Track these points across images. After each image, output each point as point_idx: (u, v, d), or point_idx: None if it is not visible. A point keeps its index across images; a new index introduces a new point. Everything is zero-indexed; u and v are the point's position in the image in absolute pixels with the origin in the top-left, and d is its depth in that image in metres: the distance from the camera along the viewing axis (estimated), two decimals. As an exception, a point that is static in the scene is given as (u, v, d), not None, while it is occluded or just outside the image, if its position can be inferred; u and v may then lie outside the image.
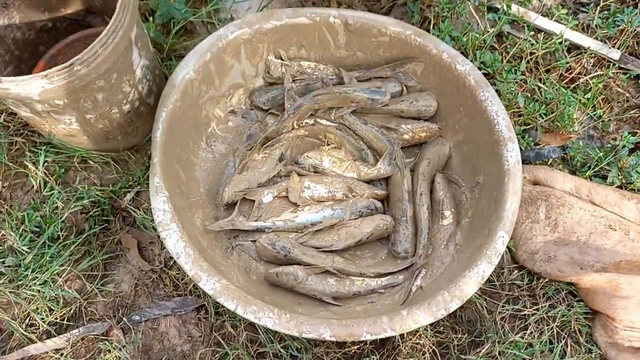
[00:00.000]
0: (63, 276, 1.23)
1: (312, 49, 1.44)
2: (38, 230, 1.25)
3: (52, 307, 1.21)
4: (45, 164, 1.31)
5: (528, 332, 1.23)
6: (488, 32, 1.48)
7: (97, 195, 1.30)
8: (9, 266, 1.21)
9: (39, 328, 1.20)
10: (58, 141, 1.29)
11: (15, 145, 1.36)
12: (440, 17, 1.53)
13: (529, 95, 1.47)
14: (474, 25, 1.55)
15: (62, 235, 1.26)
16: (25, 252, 1.19)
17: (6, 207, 1.30)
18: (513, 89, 1.43)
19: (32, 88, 1.03)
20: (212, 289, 1.04)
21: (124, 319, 1.22)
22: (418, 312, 1.05)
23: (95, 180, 1.36)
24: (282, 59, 1.43)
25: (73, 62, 1.03)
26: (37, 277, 1.18)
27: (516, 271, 1.31)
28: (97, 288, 1.24)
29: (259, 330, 1.20)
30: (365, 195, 1.34)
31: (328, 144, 1.41)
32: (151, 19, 1.46)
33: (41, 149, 1.29)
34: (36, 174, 1.30)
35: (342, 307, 1.22)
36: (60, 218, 1.24)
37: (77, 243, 1.25)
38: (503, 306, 1.27)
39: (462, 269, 1.12)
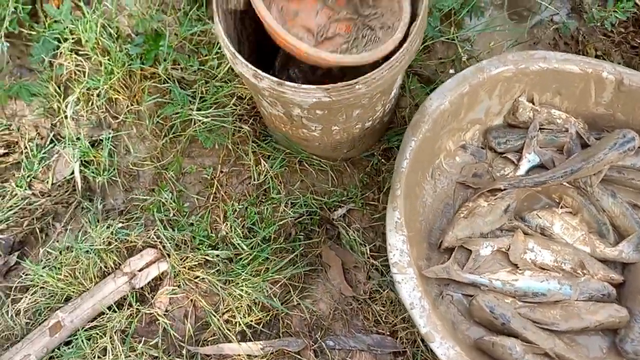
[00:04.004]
0: (269, 281, 1.19)
1: (567, 99, 1.29)
2: (252, 227, 1.22)
3: (252, 309, 1.18)
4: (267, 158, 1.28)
5: None
6: None
7: (313, 204, 1.25)
8: (222, 258, 1.18)
9: (235, 327, 1.17)
10: (288, 142, 1.25)
11: (240, 132, 1.33)
12: None
13: None
14: None
15: (274, 237, 1.22)
16: (243, 249, 1.16)
17: (222, 192, 1.29)
18: None
19: (309, 97, 0.98)
20: (444, 355, 0.96)
21: (320, 341, 1.17)
22: None
23: (309, 185, 1.31)
24: (532, 103, 1.30)
25: (358, 81, 0.96)
26: (247, 279, 1.15)
27: None
28: (296, 301, 1.20)
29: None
30: (598, 277, 1.19)
31: (562, 207, 1.27)
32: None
33: (267, 145, 1.26)
34: (257, 166, 1.27)
35: (554, 397, 1.10)
36: (280, 221, 1.20)
37: (287, 250, 1.21)
38: None
39: None
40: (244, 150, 1.31)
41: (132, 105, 1.33)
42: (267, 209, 1.22)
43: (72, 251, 1.18)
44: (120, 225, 1.20)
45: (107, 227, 1.20)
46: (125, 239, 1.20)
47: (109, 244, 1.18)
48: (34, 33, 1.37)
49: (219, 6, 1.03)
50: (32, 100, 1.34)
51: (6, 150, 1.33)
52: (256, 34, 1.26)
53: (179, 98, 1.28)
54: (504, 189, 1.25)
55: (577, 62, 1.23)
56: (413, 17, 1.05)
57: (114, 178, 1.28)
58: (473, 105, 1.25)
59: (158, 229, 1.19)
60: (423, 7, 1.00)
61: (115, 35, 1.36)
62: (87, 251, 1.16)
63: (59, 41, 1.35)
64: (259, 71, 0.97)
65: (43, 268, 1.17)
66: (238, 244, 1.17)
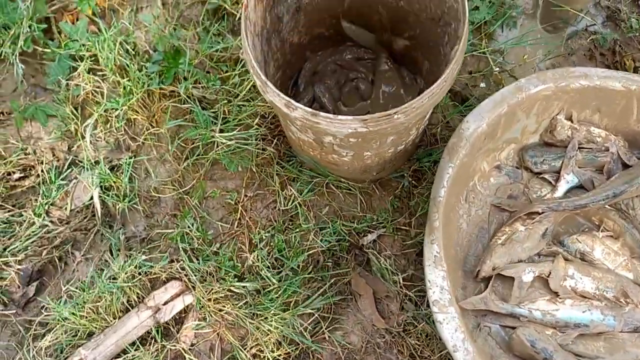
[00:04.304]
0: (297, 314, 1.14)
1: (607, 116, 1.23)
2: (280, 257, 1.17)
3: (281, 343, 1.13)
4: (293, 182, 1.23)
5: None
6: None
7: (342, 231, 1.20)
8: (249, 290, 1.14)
9: (263, 362, 1.13)
10: (314, 165, 1.20)
11: (264, 154, 1.28)
12: None
13: None
14: None
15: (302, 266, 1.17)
16: (271, 282, 1.12)
17: (247, 218, 1.23)
18: None
19: (345, 128, 0.92)
20: (490, 400, 0.90)
21: (351, 377, 1.12)
22: None
23: (337, 210, 1.25)
24: (570, 121, 1.24)
25: (397, 111, 0.91)
26: (277, 314, 1.10)
27: None
28: (327, 335, 1.15)
29: None
30: (643, 306, 1.13)
31: (602, 231, 1.21)
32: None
33: (292, 167, 1.21)
34: (283, 190, 1.21)
35: None
36: (309, 251, 1.15)
37: (315, 279, 1.16)
38: None
39: None
40: (269, 173, 1.26)
41: (151, 126, 1.28)
42: (294, 237, 1.17)
43: (94, 287, 1.13)
44: (143, 257, 1.16)
45: (131, 260, 1.15)
46: (149, 272, 1.15)
47: (133, 277, 1.13)
48: (48, 51, 1.32)
49: (248, 30, 0.97)
50: (48, 122, 1.29)
51: (22, 175, 1.28)
52: (281, 53, 1.21)
53: (201, 120, 1.22)
54: (542, 212, 1.19)
55: (619, 79, 1.17)
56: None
57: (135, 205, 1.23)
58: (510, 125, 1.19)
59: (183, 261, 1.14)
60: (465, 30, 0.94)
61: (133, 52, 1.30)
62: (110, 287, 1.11)
63: (75, 59, 1.30)
64: (292, 101, 0.91)
65: (64, 304, 1.12)
66: (267, 276, 1.11)
